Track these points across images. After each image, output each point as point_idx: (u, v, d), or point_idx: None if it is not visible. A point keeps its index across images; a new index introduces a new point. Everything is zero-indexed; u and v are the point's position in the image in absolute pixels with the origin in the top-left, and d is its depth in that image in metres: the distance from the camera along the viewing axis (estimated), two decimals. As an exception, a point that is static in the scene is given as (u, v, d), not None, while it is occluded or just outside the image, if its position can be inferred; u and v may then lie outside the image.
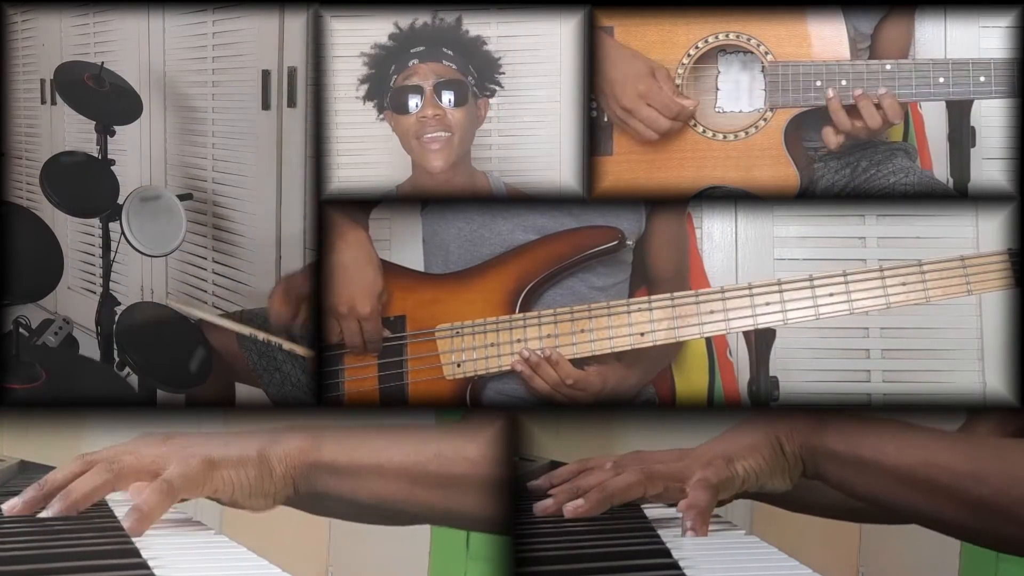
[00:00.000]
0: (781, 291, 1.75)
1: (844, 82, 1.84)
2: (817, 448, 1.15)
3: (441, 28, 1.87)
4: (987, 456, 1.13)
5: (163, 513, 1.09)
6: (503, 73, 1.91)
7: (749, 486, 1.15)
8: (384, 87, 1.87)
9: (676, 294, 1.78)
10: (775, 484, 1.16)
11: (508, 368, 1.80)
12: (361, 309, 1.81)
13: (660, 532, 1.19)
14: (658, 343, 1.78)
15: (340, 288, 1.82)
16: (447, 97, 1.83)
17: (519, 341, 1.80)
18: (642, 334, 1.78)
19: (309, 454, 1.14)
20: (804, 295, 1.75)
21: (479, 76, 1.88)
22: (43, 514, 1.11)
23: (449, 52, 1.85)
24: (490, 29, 1.92)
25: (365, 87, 1.89)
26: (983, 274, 1.73)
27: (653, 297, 1.79)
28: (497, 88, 1.91)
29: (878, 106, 1.82)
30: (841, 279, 1.73)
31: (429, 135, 1.82)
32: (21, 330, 2.06)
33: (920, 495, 1.12)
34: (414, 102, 1.83)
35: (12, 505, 1.13)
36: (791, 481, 1.16)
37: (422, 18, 1.87)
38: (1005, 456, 1.13)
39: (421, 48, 1.85)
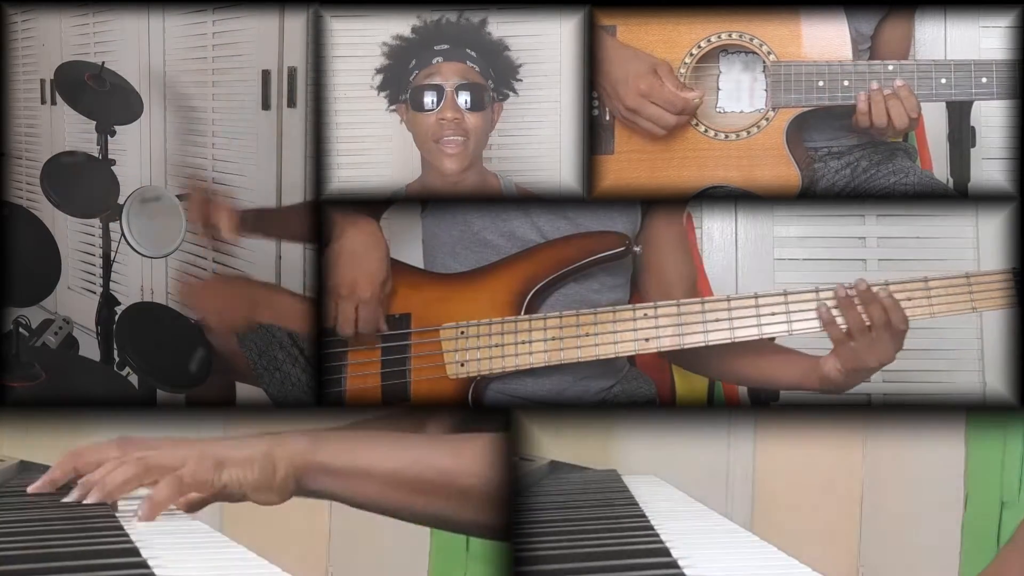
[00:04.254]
0: (787, 301, 1.75)
1: (846, 82, 1.84)
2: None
3: (466, 27, 1.87)
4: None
5: (171, 503, 1.19)
6: (520, 80, 1.91)
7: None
8: (401, 79, 1.86)
9: (682, 301, 1.78)
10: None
11: (511, 369, 1.80)
12: (361, 293, 1.80)
13: (659, 531, 1.19)
14: (663, 350, 1.78)
15: (344, 272, 1.81)
16: (467, 100, 1.82)
17: (524, 343, 1.79)
18: (647, 340, 1.78)
19: (307, 456, 1.24)
20: (809, 306, 1.74)
21: (497, 79, 1.88)
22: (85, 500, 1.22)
23: (472, 53, 1.85)
24: (491, 29, 1.91)
25: (380, 77, 1.89)
26: (987, 292, 1.73)
27: (659, 303, 1.79)
28: (511, 93, 1.91)
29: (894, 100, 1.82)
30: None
31: (447, 138, 1.82)
32: (21, 330, 2.06)
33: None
34: (434, 101, 1.82)
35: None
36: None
37: (448, 15, 1.87)
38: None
39: (445, 46, 1.84)
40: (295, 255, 2.36)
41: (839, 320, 1.71)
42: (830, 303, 1.72)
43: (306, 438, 1.24)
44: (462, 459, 1.28)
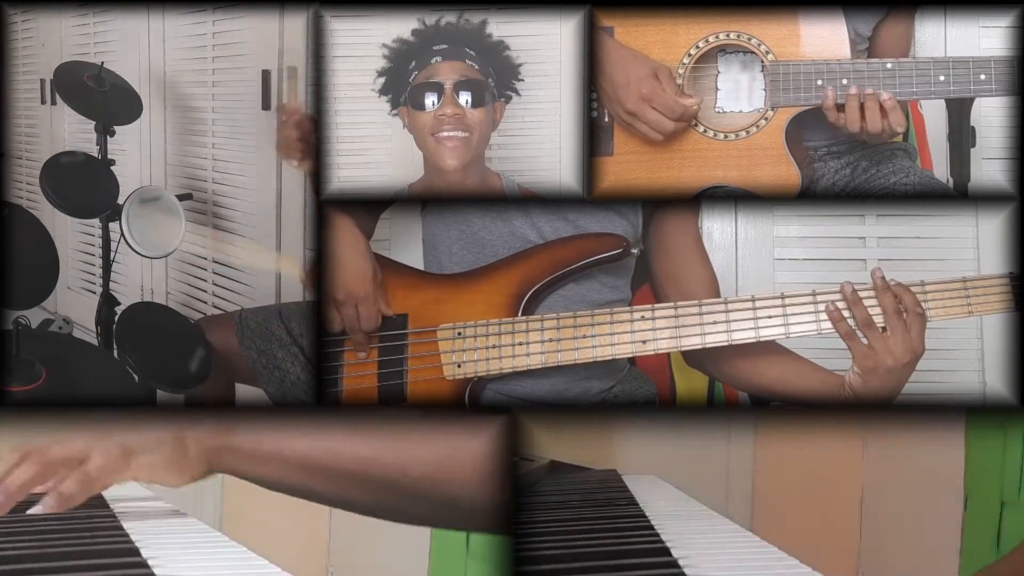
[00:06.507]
0: (784, 304, 1.75)
1: (845, 81, 1.84)
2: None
3: (465, 29, 1.87)
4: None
5: (83, 499, 1.20)
6: (522, 80, 1.91)
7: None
8: (402, 82, 1.87)
9: (679, 303, 1.78)
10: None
11: (508, 370, 1.80)
12: (357, 292, 1.81)
13: (659, 531, 1.20)
14: (660, 351, 1.78)
15: (332, 277, 1.82)
16: (466, 97, 1.83)
17: (521, 344, 1.80)
18: (644, 342, 1.78)
19: (220, 437, 1.25)
20: (807, 309, 1.75)
21: (498, 79, 1.88)
22: None
23: (471, 52, 1.85)
24: (490, 29, 1.92)
25: (382, 80, 1.89)
26: (984, 296, 1.74)
27: (656, 305, 1.79)
28: (514, 95, 1.91)
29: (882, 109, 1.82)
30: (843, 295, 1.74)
31: (446, 133, 1.82)
32: (20, 329, 2.05)
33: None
34: (433, 100, 1.83)
35: None
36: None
37: (447, 17, 1.87)
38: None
39: (444, 46, 1.85)
40: (294, 255, 2.35)
41: (847, 315, 1.71)
42: (840, 304, 1.72)
43: (220, 420, 1.25)
44: (384, 451, 1.26)
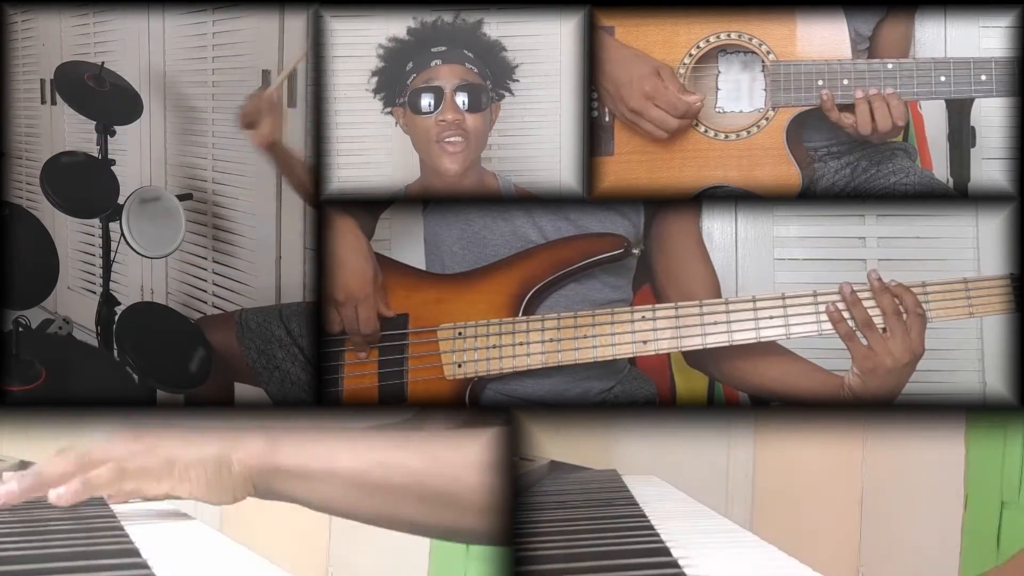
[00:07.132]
0: (784, 305, 1.75)
1: (846, 81, 1.84)
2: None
3: (462, 28, 1.87)
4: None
5: (109, 491, 1.15)
6: (517, 80, 1.91)
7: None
8: (398, 82, 1.86)
9: (680, 304, 1.78)
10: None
11: (509, 370, 1.80)
12: (357, 293, 1.81)
13: (659, 531, 1.20)
14: (660, 352, 1.78)
15: (333, 277, 1.82)
16: (465, 101, 1.82)
17: (521, 344, 1.79)
18: (645, 342, 1.78)
19: (265, 458, 1.16)
20: (807, 310, 1.75)
21: (494, 80, 1.88)
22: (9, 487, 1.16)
23: (470, 55, 1.85)
24: (490, 29, 1.92)
25: (376, 80, 1.89)
26: (985, 297, 1.74)
27: (657, 305, 1.79)
28: (507, 94, 1.91)
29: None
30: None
31: (448, 139, 1.82)
32: (20, 330, 2.05)
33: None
34: (432, 103, 1.82)
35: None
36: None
37: (443, 16, 1.87)
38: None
39: (443, 48, 1.84)
40: (295, 256, 2.36)
41: (847, 316, 1.71)
42: (840, 305, 1.72)
43: (264, 438, 1.16)
44: (435, 461, 1.18)
